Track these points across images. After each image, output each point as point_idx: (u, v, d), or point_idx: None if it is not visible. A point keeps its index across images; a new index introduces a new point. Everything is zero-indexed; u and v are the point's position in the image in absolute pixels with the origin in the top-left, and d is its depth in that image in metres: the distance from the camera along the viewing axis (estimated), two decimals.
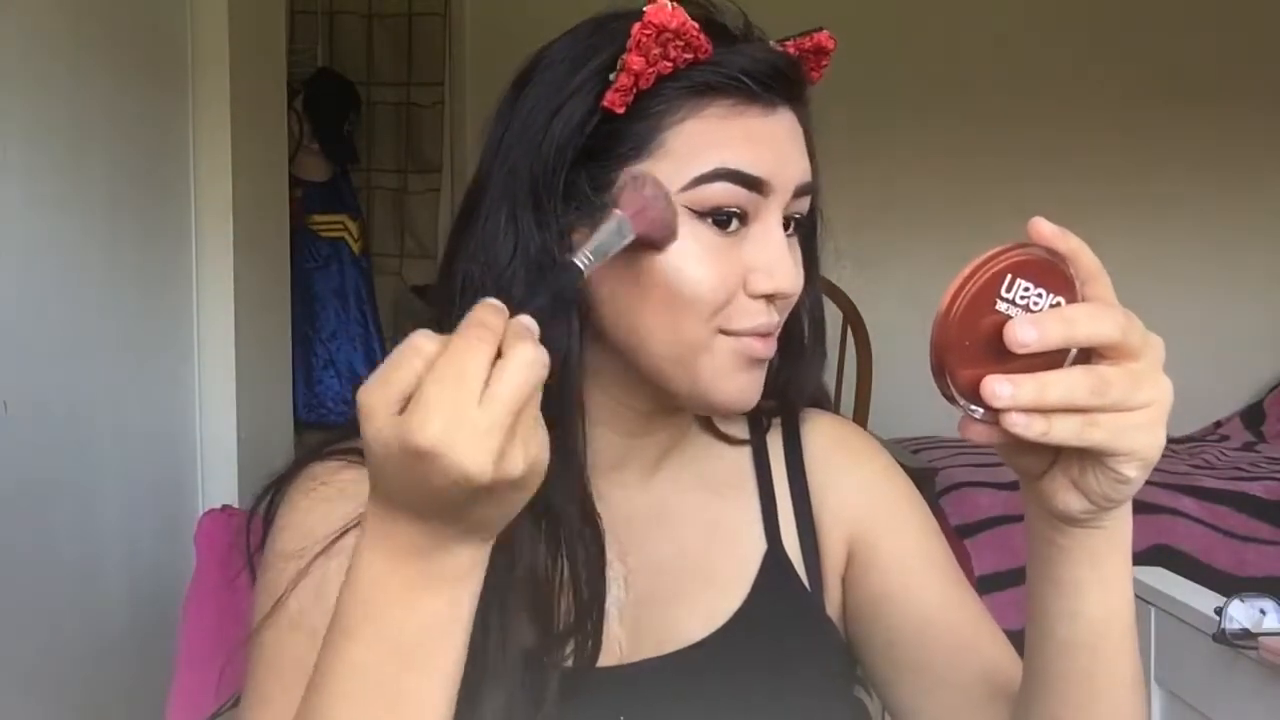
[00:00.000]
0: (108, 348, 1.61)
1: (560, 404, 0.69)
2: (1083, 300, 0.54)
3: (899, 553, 0.80)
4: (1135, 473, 0.55)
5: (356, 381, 3.20)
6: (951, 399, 0.54)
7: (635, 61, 0.66)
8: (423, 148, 3.28)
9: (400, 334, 0.54)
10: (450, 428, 0.49)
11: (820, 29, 0.72)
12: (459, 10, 3.40)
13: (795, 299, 0.73)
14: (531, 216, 0.70)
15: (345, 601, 0.56)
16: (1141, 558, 2.62)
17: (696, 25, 0.66)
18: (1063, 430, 0.52)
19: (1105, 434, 0.53)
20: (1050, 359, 0.53)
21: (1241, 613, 1.17)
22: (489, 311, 0.53)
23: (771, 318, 0.70)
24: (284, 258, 2.27)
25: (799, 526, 0.81)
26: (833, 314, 0.85)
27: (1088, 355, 0.54)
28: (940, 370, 0.54)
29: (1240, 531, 2.56)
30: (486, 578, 0.60)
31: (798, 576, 0.79)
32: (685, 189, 0.68)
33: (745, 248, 0.69)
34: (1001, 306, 0.52)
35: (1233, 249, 3.65)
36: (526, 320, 0.54)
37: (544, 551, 0.70)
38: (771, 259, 0.69)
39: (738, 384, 0.71)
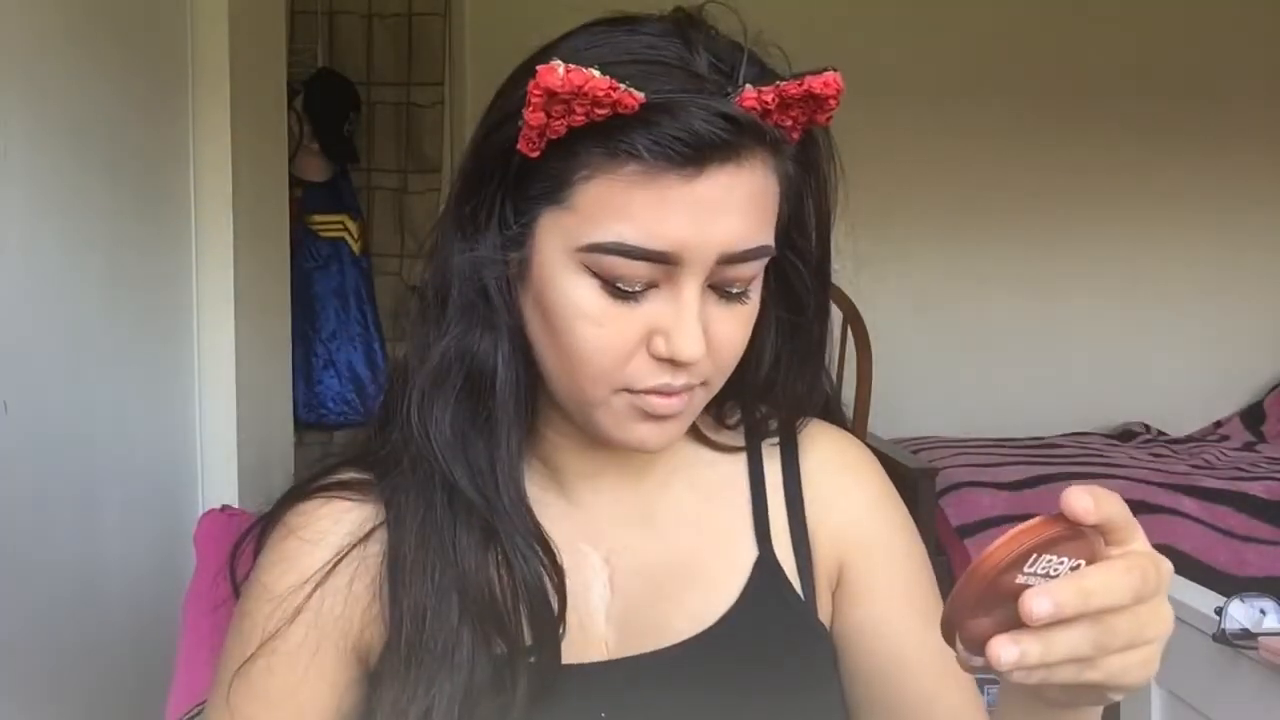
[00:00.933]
0: (108, 348, 1.61)
1: (491, 428, 0.71)
2: (1104, 556, 0.53)
3: (887, 588, 0.80)
4: (1122, 697, 0.55)
5: (357, 382, 3.20)
6: (961, 656, 0.55)
7: (533, 118, 0.63)
8: (423, 148, 3.27)
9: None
10: None
11: (826, 69, 0.65)
12: (459, 10, 3.40)
13: (727, 359, 0.71)
14: (468, 238, 0.71)
15: None
16: None
17: (608, 83, 0.61)
18: (1061, 675, 0.52)
19: (1103, 675, 0.52)
20: None
21: (1241, 613, 1.17)
22: None
23: (676, 379, 0.68)
24: (284, 258, 2.27)
25: (793, 535, 0.80)
26: (833, 314, 0.83)
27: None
28: (951, 636, 0.55)
29: (1240, 531, 2.56)
30: (454, 596, 0.66)
31: (790, 583, 0.79)
32: (582, 250, 0.66)
33: (650, 307, 0.67)
34: (1020, 578, 0.52)
35: (1233, 249, 3.66)
36: None
37: (495, 574, 0.71)
38: (671, 325, 0.66)
39: (637, 434, 0.70)
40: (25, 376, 1.38)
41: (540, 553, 0.71)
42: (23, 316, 1.38)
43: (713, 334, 0.68)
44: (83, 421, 1.54)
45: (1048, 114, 3.57)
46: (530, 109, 0.63)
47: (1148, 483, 2.66)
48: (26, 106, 1.38)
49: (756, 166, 0.67)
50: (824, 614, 0.81)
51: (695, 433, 0.82)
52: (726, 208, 0.65)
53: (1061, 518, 0.52)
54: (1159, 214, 3.63)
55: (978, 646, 0.52)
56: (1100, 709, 0.61)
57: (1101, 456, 2.96)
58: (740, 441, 0.83)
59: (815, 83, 0.64)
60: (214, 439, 1.92)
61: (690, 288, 0.66)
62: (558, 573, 0.72)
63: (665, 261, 0.65)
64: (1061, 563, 0.52)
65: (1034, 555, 0.52)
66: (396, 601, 0.71)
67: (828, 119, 0.67)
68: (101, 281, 1.60)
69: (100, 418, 1.59)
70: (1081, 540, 0.53)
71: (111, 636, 1.58)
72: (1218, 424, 3.53)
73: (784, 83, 0.65)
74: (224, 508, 1.07)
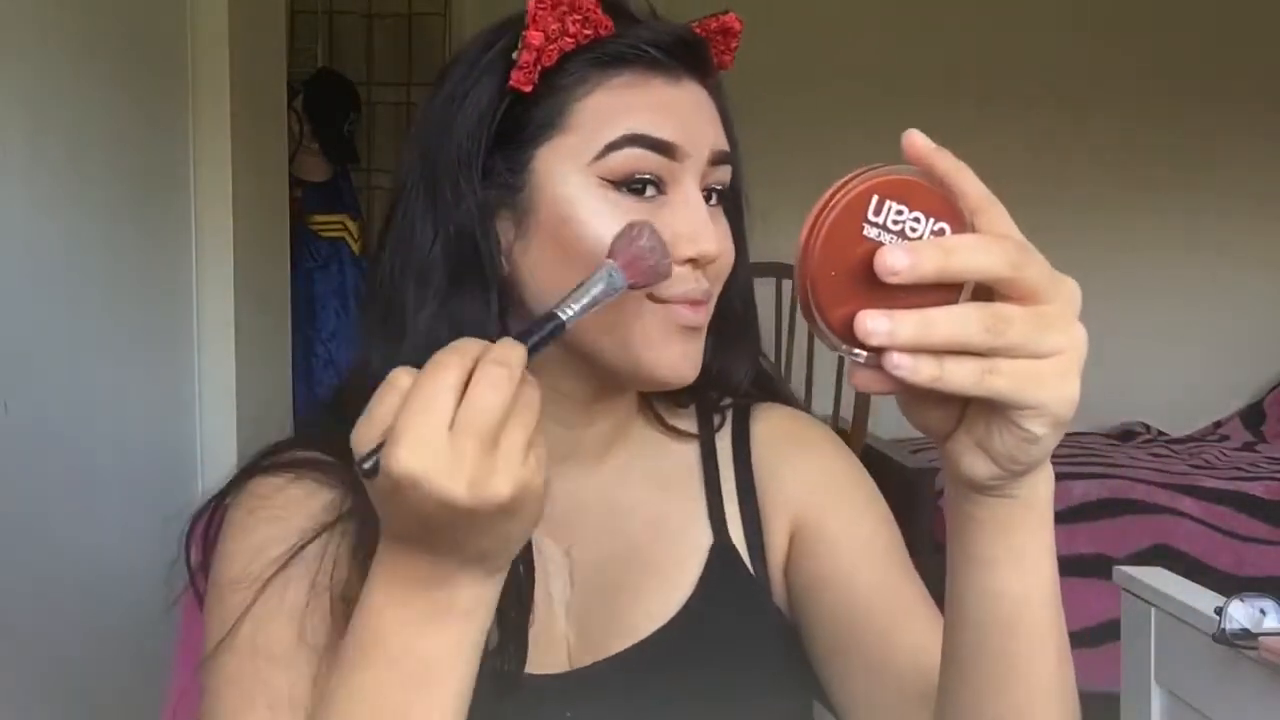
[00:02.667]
0: (108, 348, 1.61)
1: None
2: (973, 231, 0.49)
3: (838, 537, 0.79)
4: (1044, 430, 0.50)
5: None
6: (830, 344, 0.48)
7: (534, 37, 0.68)
8: None
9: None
10: (420, 456, 0.51)
11: (727, 11, 0.74)
12: (459, 10, 3.40)
13: (727, 267, 0.73)
14: (450, 201, 0.70)
15: (357, 629, 0.58)
16: (1141, 558, 2.61)
17: (594, 1, 0.69)
18: (958, 375, 0.47)
19: (1008, 382, 0.47)
20: (941, 298, 0.47)
21: (1241, 613, 1.17)
22: (464, 340, 0.55)
23: (700, 284, 0.71)
24: (284, 258, 2.27)
25: (744, 518, 0.81)
26: None
27: (989, 297, 0.48)
28: (808, 307, 0.48)
29: (1240, 531, 2.56)
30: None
31: (744, 566, 0.79)
32: (596, 159, 0.69)
33: (665, 215, 0.69)
34: (871, 232, 0.47)
35: (1234, 249, 3.65)
36: (507, 346, 0.55)
37: None
38: (692, 223, 0.69)
39: (671, 353, 0.71)
40: (25, 376, 1.38)
41: None
42: (23, 316, 1.38)
43: None
44: (83, 421, 1.55)
45: (1046, 115, 3.57)
46: (531, 27, 0.68)
47: (1148, 483, 2.66)
48: (27, 108, 1.39)
49: (714, 91, 0.75)
50: (777, 594, 0.80)
51: (653, 417, 0.83)
52: (705, 112, 0.73)
53: (901, 165, 0.48)
54: (1159, 214, 3.63)
55: (849, 334, 0.47)
56: (1045, 509, 0.56)
57: (1101, 456, 2.96)
58: (694, 428, 0.83)
59: (727, 19, 0.74)
60: (214, 439, 1.92)
61: (693, 187, 0.71)
62: (526, 552, 0.70)
63: (671, 156, 0.70)
64: (918, 219, 0.47)
65: (875, 198, 0.47)
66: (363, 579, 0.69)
67: (730, 59, 0.76)
68: (102, 281, 1.60)
69: (100, 417, 1.59)
70: (937, 200, 0.48)
71: (111, 636, 1.58)
72: (1218, 424, 3.53)
73: (702, 20, 0.74)
74: None
